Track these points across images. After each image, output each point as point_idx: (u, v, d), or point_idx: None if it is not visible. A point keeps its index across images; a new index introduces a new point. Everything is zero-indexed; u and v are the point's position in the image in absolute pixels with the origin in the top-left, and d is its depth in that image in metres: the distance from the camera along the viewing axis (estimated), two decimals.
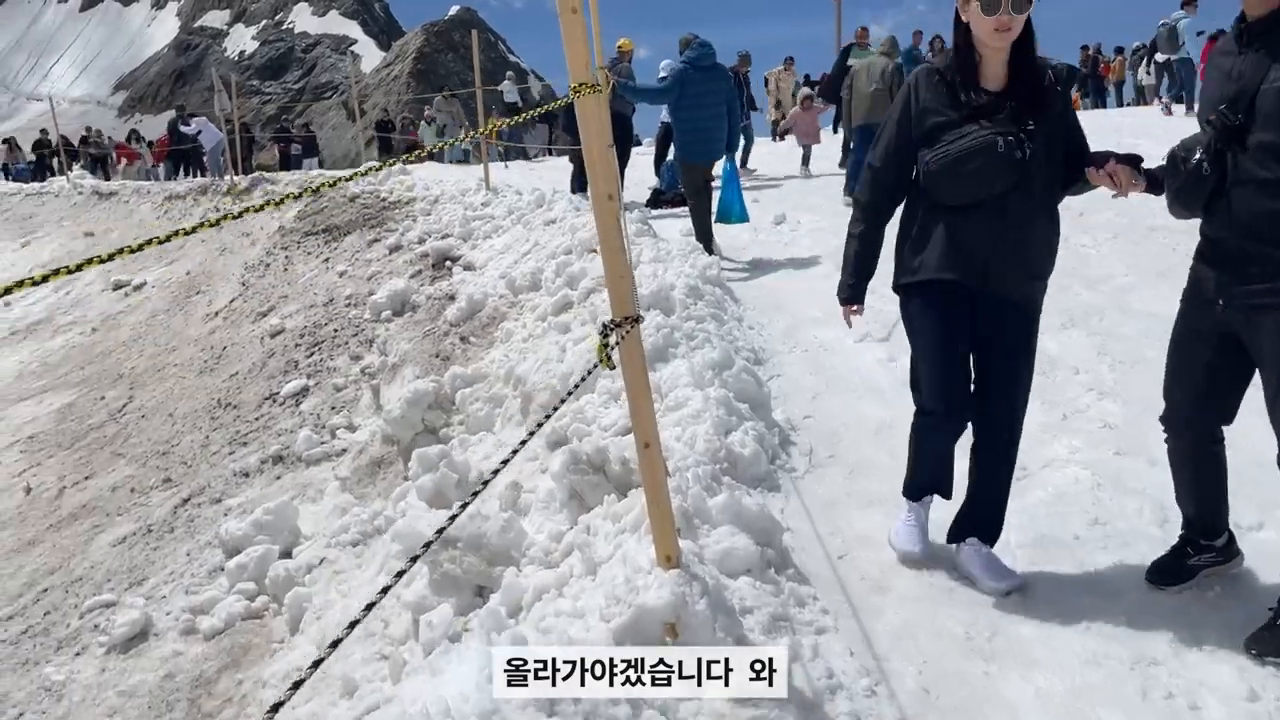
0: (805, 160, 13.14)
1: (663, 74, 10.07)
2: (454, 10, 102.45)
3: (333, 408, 7.46)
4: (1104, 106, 22.40)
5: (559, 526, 2.93)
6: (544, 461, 3.77)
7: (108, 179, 21.32)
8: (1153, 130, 12.30)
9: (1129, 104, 21.76)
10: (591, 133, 2.21)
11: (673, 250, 6.09)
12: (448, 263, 9.59)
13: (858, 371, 4.46)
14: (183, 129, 18.09)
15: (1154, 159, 2.73)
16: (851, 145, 10.72)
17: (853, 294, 3.18)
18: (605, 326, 2.26)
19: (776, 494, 3.26)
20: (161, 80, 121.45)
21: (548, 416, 2.41)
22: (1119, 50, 23.58)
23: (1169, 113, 14.46)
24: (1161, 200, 2.69)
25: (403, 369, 7.48)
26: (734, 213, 7.88)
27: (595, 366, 2.26)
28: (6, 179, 22.00)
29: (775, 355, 4.73)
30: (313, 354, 8.71)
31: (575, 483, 2.93)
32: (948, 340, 2.89)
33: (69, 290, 15.66)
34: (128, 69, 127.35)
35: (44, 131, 23.63)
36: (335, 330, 8.99)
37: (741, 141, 13.09)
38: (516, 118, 4.50)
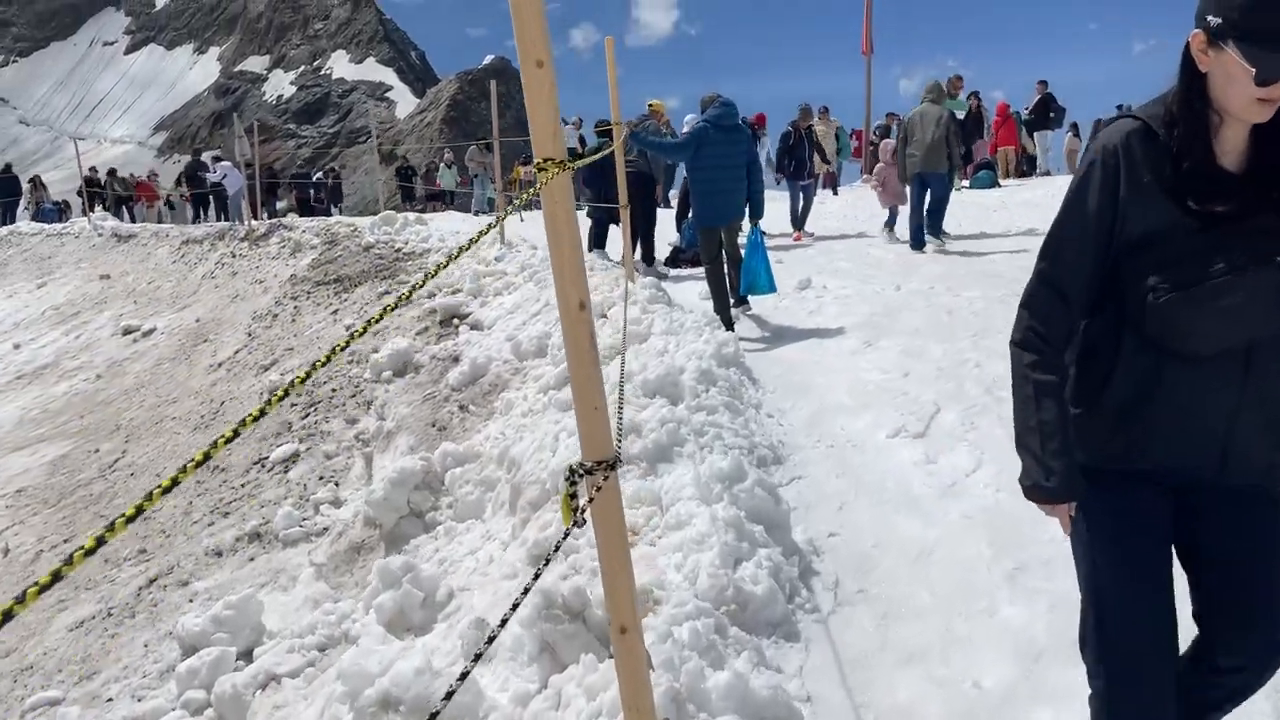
0: (891, 223, 11.31)
1: (686, 129, 9.64)
2: (488, 59, 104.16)
3: (321, 477, 6.98)
4: None
5: (526, 685, 2.39)
6: (523, 576, 3.23)
7: (134, 219, 21.27)
8: None
9: None
10: (559, 222, 1.71)
11: (687, 322, 5.58)
12: (455, 320, 9.20)
13: (891, 475, 3.88)
14: (206, 175, 17.94)
15: None
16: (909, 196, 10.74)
17: (1065, 485, 1.87)
18: (572, 472, 1.74)
19: (795, 644, 2.68)
20: (200, 123, 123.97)
21: (535, 575, 1.86)
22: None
23: None
24: None
25: (397, 437, 7.00)
26: (760, 283, 7.32)
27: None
28: (35, 218, 21.98)
29: (797, 451, 4.17)
30: (308, 415, 8.25)
31: (547, 632, 2.39)
32: (1157, 579, 1.90)
33: (80, 334, 15.39)
34: (168, 111, 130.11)
35: (93, 169, 23.63)
36: (334, 390, 8.54)
37: (800, 202, 12.76)
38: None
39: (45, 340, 15.67)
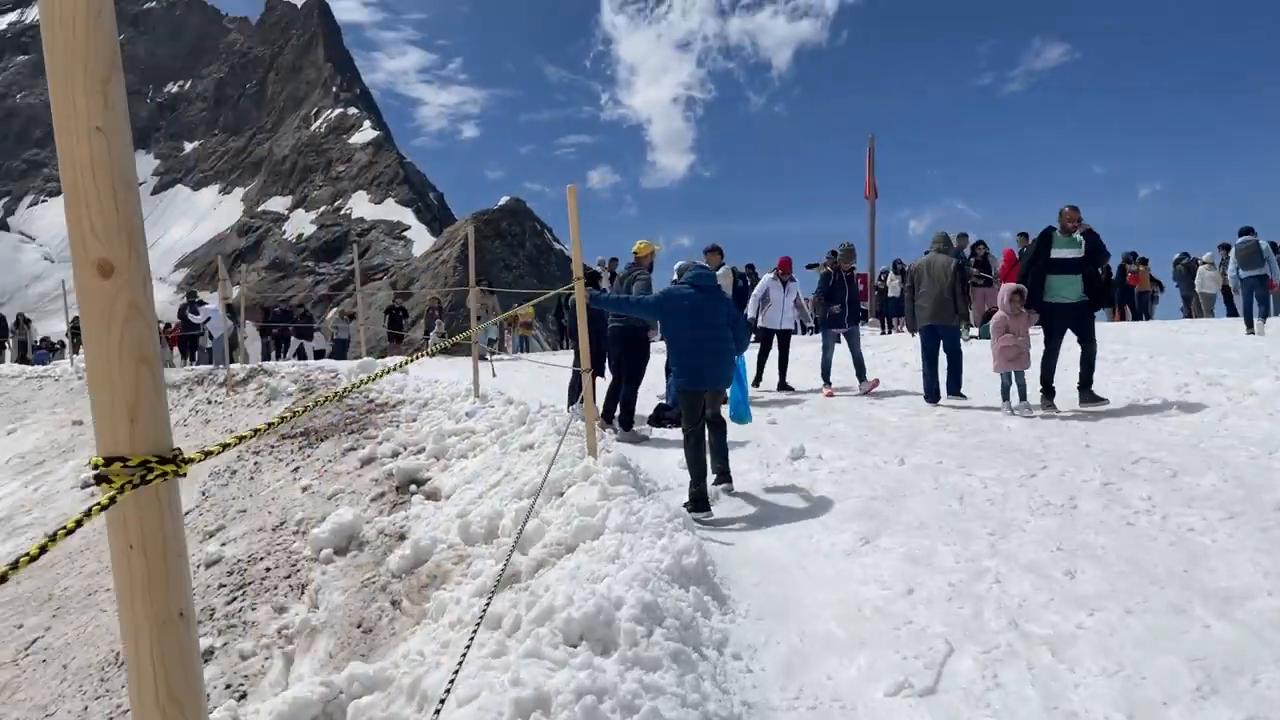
0: (1010, 391, 9.03)
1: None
2: (503, 200, 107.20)
3: (228, 685, 5.96)
4: (1131, 319, 21.02)
5: None
6: None
7: None
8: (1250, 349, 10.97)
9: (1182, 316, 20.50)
10: None
11: (647, 516, 4.67)
12: (413, 486, 8.39)
13: None
14: (190, 317, 17.48)
15: None
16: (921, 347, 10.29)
17: None
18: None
19: None
20: (221, 260, 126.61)
21: None
22: (1143, 260, 22.25)
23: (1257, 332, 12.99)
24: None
25: (320, 638, 6.03)
26: (739, 413, 6.88)
27: None
28: (20, 360, 21.46)
29: (769, 713, 3.16)
30: (234, 600, 7.28)
31: None
32: None
33: (39, 485, 14.54)
34: (190, 248, 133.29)
35: None
36: (268, 569, 7.60)
37: (833, 353, 11.68)
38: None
39: (4, 491, 14.83)
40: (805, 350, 14.87)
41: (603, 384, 9.97)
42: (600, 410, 9.55)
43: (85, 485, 13.54)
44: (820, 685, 3.35)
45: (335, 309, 24.12)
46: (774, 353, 12.23)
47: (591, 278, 11.10)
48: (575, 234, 6.10)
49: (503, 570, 4.44)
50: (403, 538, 7.15)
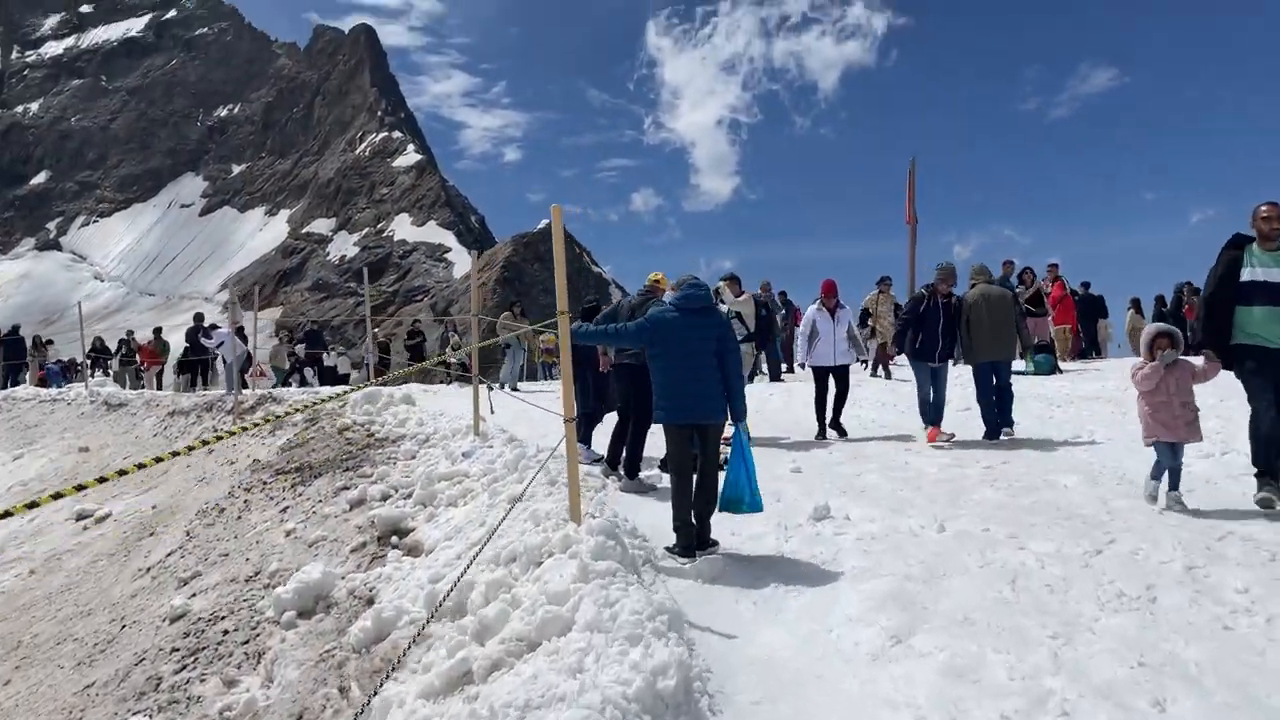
0: (1162, 475, 6.46)
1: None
2: (543, 223, 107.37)
3: None
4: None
5: None
6: None
7: (158, 385, 20.20)
8: None
9: None
10: None
11: (622, 613, 3.79)
12: (394, 538, 7.61)
13: None
14: (204, 340, 16.97)
15: None
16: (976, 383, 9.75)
17: None
18: None
19: None
20: (265, 280, 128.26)
21: None
22: (1195, 290, 20.74)
23: None
24: None
25: None
26: (743, 499, 5.74)
27: None
28: (41, 382, 21.14)
29: None
30: (184, 668, 6.51)
31: None
32: None
33: (36, 516, 14.01)
34: (235, 269, 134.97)
35: (129, 332, 22.81)
36: (226, 632, 6.83)
37: (930, 389, 9.89)
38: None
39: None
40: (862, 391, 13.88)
41: (610, 417, 9.16)
42: (606, 456, 8.71)
43: (80, 518, 12.97)
44: None
45: (374, 330, 23.43)
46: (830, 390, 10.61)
47: (589, 311, 10.29)
48: (560, 260, 5.29)
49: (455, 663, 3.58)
50: (371, 602, 6.37)
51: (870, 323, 16.60)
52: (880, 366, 16.68)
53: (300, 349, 20.89)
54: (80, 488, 4.24)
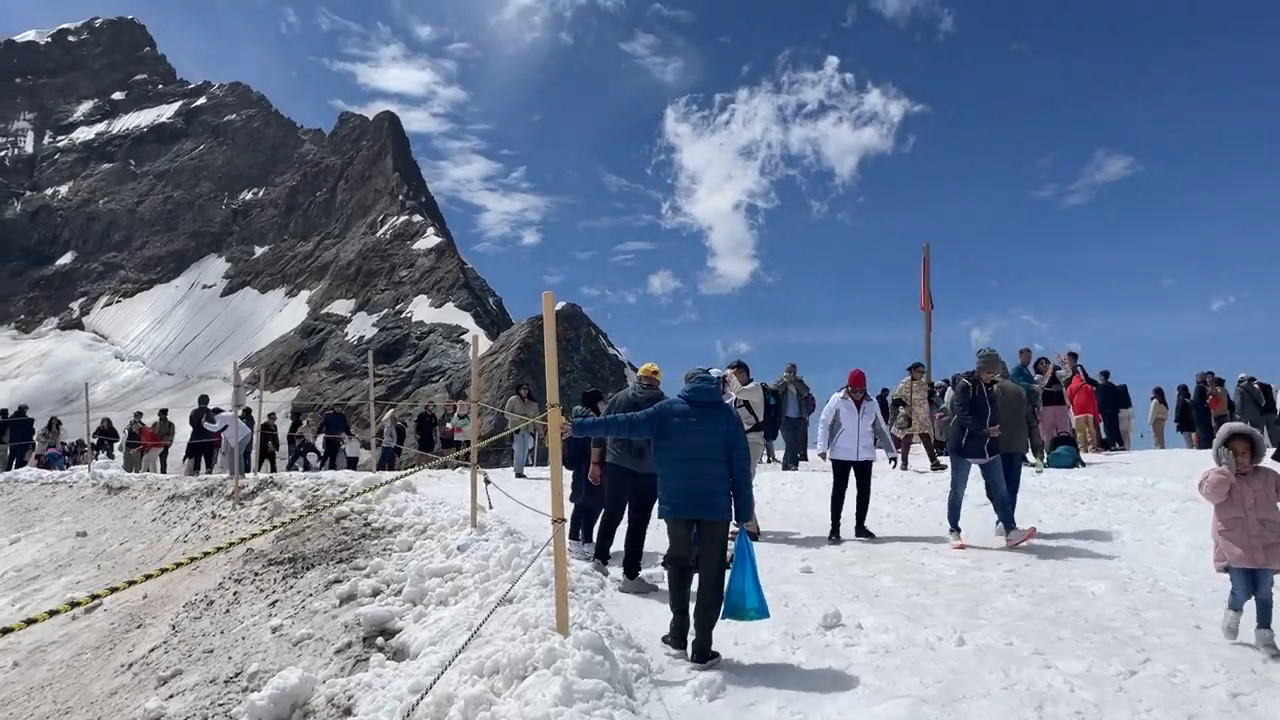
0: (1241, 606, 5.50)
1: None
2: (559, 305, 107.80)
3: None
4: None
5: None
6: None
7: (162, 468, 19.89)
8: None
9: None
10: None
11: None
12: (380, 639, 7.23)
13: None
14: (207, 425, 16.77)
15: None
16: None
17: None
18: None
19: None
20: (284, 360, 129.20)
21: None
22: (1218, 380, 20.09)
23: None
24: None
25: None
26: (747, 605, 5.39)
27: None
28: (42, 464, 20.94)
29: None
30: None
31: None
32: None
33: (26, 604, 13.62)
34: (254, 349, 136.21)
35: (138, 414, 22.56)
36: None
37: (964, 488, 9.37)
38: None
39: None
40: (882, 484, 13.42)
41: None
42: (594, 548, 8.34)
43: (71, 606, 12.60)
44: None
45: (390, 410, 23.06)
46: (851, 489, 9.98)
47: (590, 398, 10.02)
48: (550, 350, 5.01)
49: None
50: (349, 712, 5.98)
51: (904, 412, 15.60)
52: (900, 457, 15.51)
53: (309, 432, 20.66)
54: (113, 590, 3.95)
